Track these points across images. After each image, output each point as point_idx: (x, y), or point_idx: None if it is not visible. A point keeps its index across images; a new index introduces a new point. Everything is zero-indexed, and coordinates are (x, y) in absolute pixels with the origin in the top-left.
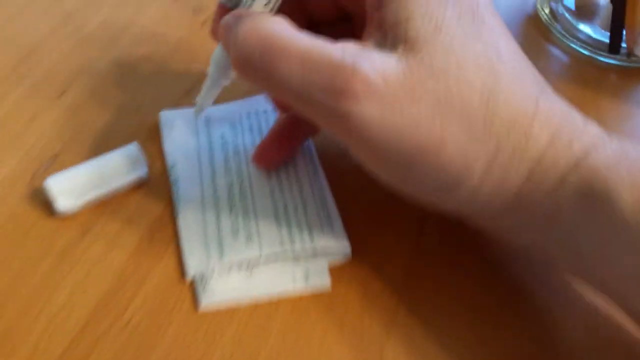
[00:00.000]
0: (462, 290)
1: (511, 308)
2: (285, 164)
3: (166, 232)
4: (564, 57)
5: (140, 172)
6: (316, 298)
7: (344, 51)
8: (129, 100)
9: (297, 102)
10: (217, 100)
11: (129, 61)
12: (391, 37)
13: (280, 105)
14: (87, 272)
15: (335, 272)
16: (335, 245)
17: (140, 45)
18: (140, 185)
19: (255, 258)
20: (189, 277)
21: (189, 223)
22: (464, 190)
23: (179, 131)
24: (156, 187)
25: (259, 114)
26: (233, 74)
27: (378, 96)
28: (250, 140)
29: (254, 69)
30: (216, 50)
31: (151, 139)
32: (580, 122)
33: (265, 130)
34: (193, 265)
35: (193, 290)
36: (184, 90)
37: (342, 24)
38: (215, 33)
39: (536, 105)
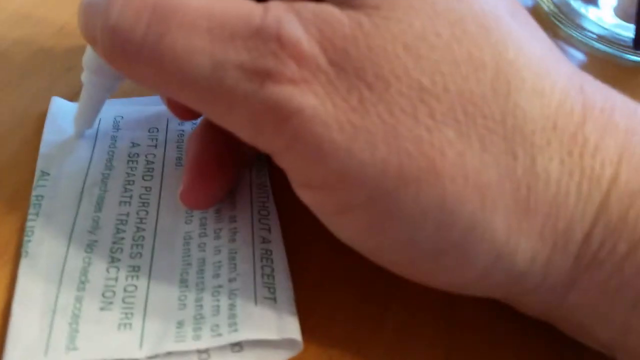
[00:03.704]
0: None
1: None
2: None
3: None
4: (579, 56)
5: None
6: None
7: (266, 6)
8: None
9: (206, 98)
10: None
11: None
12: None
13: (184, 112)
14: None
15: None
16: (276, 340)
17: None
18: None
19: None
20: None
21: (28, 291)
22: (478, 249)
23: (63, 140)
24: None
25: None
26: (119, 78)
27: (321, 78)
28: (177, 154)
29: (137, 51)
30: (88, 49)
31: (16, 166)
32: None
33: None
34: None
35: None
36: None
37: None
38: None
39: (581, 90)
